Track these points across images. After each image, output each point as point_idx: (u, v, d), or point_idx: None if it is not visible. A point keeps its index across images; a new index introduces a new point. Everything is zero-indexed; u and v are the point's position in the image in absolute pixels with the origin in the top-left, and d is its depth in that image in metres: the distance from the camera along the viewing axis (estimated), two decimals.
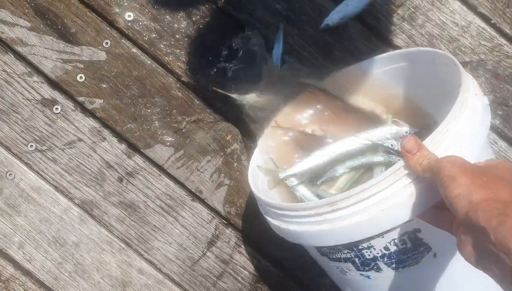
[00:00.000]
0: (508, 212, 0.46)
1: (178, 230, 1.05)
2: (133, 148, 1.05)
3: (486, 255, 0.49)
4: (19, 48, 1.04)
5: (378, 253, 0.70)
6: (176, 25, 1.04)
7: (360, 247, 0.70)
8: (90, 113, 1.05)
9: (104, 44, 1.04)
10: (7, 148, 1.05)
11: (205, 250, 1.05)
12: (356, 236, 0.67)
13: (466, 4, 1.04)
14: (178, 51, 1.04)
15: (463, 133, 0.66)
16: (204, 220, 1.05)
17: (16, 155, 1.05)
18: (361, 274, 0.75)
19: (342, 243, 0.69)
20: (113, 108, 1.04)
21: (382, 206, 0.64)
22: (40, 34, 1.04)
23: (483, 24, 1.04)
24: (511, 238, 0.44)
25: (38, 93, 1.05)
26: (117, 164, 1.05)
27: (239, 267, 1.05)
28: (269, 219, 0.80)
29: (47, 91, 1.04)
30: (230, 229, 1.06)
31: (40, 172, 1.05)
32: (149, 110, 1.04)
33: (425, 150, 0.63)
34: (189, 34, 1.04)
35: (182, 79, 1.04)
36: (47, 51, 1.04)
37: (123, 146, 1.05)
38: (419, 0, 1.03)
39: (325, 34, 1.03)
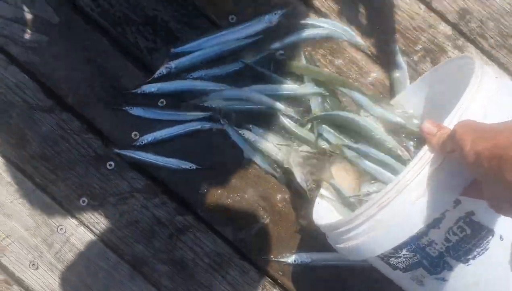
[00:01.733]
0: (502, 154, 0.51)
1: (225, 288, 1.06)
2: (184, 205, 1.07)
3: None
4: (74, 105, 1.08)
5: (441, 248, 0.70)
6: None
7: (422, 245, 0.70)
8: (144, 171, 1.07)
9: None
10: (60, 203, 1.06)
11: None
12: (411, 228, 0.67)
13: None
14: None
15: (478, 108, 0.68)
16: (251, 279, 1.06)
17: (68, 210, 1.06)
18: (436, 278, 0.74)
19: (401, 241, 0.69)
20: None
21: (424, 192, 0.65)
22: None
23: None
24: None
25: (92, 149, 1.07)
26: (168, 220, 1.06)
27: None
28: (337, 246, 0.80)
29: (102, 148, 1.07)
30: (277, 288, 1.06)
31: (91, 227, 1.06)
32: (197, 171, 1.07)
33: (444, 127, 0.67)
34: None
35: None
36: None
37: (174, 203, 1.06)
38: None
39: None
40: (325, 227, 0.83)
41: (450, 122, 0.67)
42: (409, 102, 1.02)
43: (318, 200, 0.98)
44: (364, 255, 0.75)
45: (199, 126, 1.06)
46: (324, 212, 0.96)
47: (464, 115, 0.67)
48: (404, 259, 0.74)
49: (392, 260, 0.75)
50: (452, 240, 0.70)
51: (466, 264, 0.71)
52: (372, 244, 0.71)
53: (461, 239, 0.70)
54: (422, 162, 0.66)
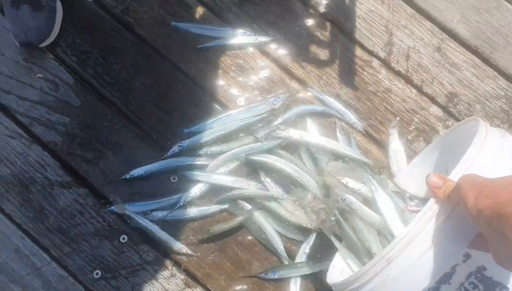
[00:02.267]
0: (501, 212, 0.54)
1: None
2: (192, 277, 1.11)
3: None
4: (93, 181, 1.15)
5: None
6: None
7: None
8: (154, 244, 1.12)
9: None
10: (74, 276, 1.11)
11: None
12: (421, 282, 0.66)
13: None
14: None
15: (484, 163, 0.69)
16: None
17: (81, 282, 1.11)
18: None
19: None
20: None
21: (431, 245, 0.65)
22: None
23: None
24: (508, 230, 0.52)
25: (107, 223, 1.13)
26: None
27: None
28: None
29: (116, 222, 1.13)
30: None
31: None
32: (205, 245, 1.12)
33: (449, 180, 0.68)
34: None
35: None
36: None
37: (182, 276, 1.11)
38: None
39: None
40: (337, 285, 0.83)
41: (456, 175, 0.68)
42: (411, 181, 1.07)
43: (333, 263, 1.00)
44: None
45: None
46: (339, 275, 0.98)
47: (469, 170, 0.68)
48: None
49: None
50: None
51: None
52: None
53: None
54: (429, 215, 0.67)
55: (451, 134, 0.97)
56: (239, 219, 1.11)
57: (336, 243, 1.02)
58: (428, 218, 0.67)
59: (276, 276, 1.08)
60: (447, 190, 0.67)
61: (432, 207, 0.68)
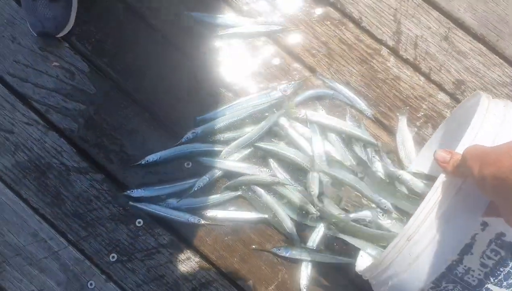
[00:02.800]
0: (504, 178, 0.56)
1: None
2: (207, 260, 1.13)
3: None
4: (109, 167, 1.18)
5: (480, 275, 0.70)
6: None
7: (459, 274, 0.70)
8: (169, 227, 1.15)
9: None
10: (91, 259, 1.13)
11: None
12: (444, 256, 0.68)
13: None
14: None
15: (488, 133, 0.71)
16: None
17: (98, 265, 1.13)
18: None
19: (438, 272, 0.69)
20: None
21: (448, 218, 0.66)
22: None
23: None
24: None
25: (123, 207, 1.16)
26: (191, 275, 1.13)
27: None
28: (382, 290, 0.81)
29: (132, 206, 1.15)
30: None
31: (119, 282, 1.12)
32: (218, 228, 1.14)
33: (456, 154, 0.69)
34: None
35: None
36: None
37: (197, 258, 1.13)
38: None
39: None
40: (365, 272, 0.84)
41: (462, 148, 0.69)
42: (427, 163, 1.09)
43: (361, 253, 1.02)
44: None
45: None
46: (367, 263, 0.98)
47: (475, 141, 0.70)
48: None
49: None
50: (488, 265, 0.69)
51: (509, 289, 0.70)
52: (411, 279, 0.71)
53: (497, 262, 0.69)
54: (441, 190, 0.68)
55: (458, 113, 0.99)
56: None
57: (345, 237, 1.05)
58: (440, 192, 0.69)
59: (287, 254, 1.10)
60: (455, 163, 0.68)
61: (443, 182, 0.70)
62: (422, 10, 1.27)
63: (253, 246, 1.13)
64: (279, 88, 1.21)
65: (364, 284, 0.96)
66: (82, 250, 1.14)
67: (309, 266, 1.12)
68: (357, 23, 1.27)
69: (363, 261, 0.99)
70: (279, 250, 1.10)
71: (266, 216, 1.13)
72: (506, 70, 1.23)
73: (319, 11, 1.27)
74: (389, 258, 0.74)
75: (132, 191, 1.15)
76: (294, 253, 1.10)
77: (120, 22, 1.26)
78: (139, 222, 1.15)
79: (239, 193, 1.16)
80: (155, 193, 1.16)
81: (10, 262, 1.13)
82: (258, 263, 1.13)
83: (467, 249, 0.69)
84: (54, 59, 1.23)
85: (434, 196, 0.70)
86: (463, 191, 0.68)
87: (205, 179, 1.15)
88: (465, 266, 0.70)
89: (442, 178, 0.70)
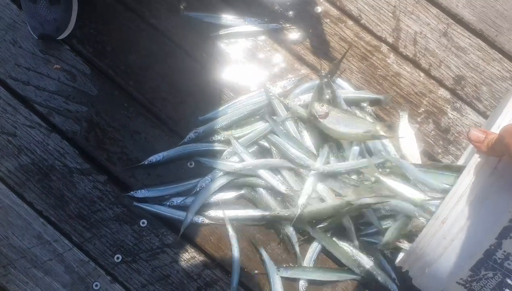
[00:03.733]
0: None
1: None
2: (211, 258, 1.14)
3: None
4: (112, 168, 1.18)
5: None
6: None
7: (499, 261, 0.67)
8: (173, 227, 1.15)
9: None
10: (95, 260, 1.14)
11: None
12: (481, 239, 0.65)
13: None
14: None
15: None
16: None
17: (103, 266, 1.13)
18: None
19: (475, 258, 0.66)
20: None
21: (484, 198, 0.64)
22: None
23: None
24: None
25: (127, 208, 1.16)
26: (196, 274, 1.13)
27: None
28: (420, 279, 0.78)
29: (136, 207, 1.16)
30: None
31: (125, 283, 1.13)
32: (223, 228, 1.15)
33: (491, 133, 0.67)
34: None
35: None
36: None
37: (202, 257, 1.14)
38: None
39: None
40: (402, 261, 0.81)
41: (498, 127, 0.67)
42: None
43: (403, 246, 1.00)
44: (446, 280, 0.71)
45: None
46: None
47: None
48: (486, 281, 0.69)
49: (475, 286, 0.71)
50: None
51: None
52: (448, 266, 0.69)
53: None
54: (475, 170, 0.66)
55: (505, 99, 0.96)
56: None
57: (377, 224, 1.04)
58: (474, 173, 0.66)
59: (288, 275, 1.11)
60: (490, 142, 0.66)
61: (477, 162, 0.67)
62: (420, 6, 1.28)
63: (256, 271, 1.13)
64: (279, 84, 1.21)
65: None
66: (87, 252, 1.14)
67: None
68: (356, 20, 1.27)
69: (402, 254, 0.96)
70: (279, 270, 1.11)
71: (243, 191, 1.14)
72: (505, 65, 1.23)
73: (318, 9, 1.28)
74: (424, 243, 0.71)
75: (136, 192, 1.15)
76: (293, 273, 1.11)
77: (120, 23, 1.27)
78: (143, 222, 1.15)
79: (242, 192, 1.16)
80: (159, 193, 1.16)
81: (15, 265, 1.13)
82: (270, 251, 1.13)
83: (505, 232, 0.66)
84: (55, 62, 1.24)
85: (468, 176, 0.67)
86: (499, 171, 0.66)
87: (207, 179, 1.15)
88: (504, 251, 0.67)
89: (475, 158, 0.68)
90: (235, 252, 1.12)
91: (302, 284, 1.11)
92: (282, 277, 1.10)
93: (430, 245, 0.71)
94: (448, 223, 0.69)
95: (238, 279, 1.11)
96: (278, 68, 1.24)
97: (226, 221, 1.13)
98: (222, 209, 1.14)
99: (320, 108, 1.11)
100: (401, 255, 0.97)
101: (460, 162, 1.14)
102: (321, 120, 1.11)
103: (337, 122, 1.11)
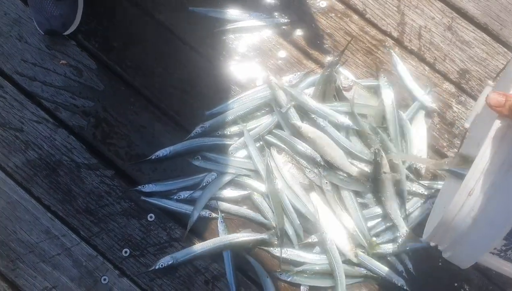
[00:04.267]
0: None
1: None
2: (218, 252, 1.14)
3: None
4: (119, 163, 1.19)
5: None
6: None
7: None
8: (181, 221, 1.16)
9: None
10: (103, 254, 1.14)
11: None
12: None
13: None
14: None
15: None
16: None
17: (111, 260, 1.14)
18: None
19: (509, 226, 0.64)
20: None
21: (509, 166, 0.61)
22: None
23: None
24: None
25: (134, 202, 1.16)
26: (204, 268, 1.14)
27: None
28: (454, 254, 0.76)
29: (143, 201, 1.16)
30: None
31: (132, 276, 1.13)
32: (228, 221, 1.15)
33: (511, 95, 0.63)
34: None
35: None
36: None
37: None
38: None
39: None
40: (431, 235, 0.77)
41: None
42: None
43: (428, 219, 0.98)
44: (479, 251, 0.70)
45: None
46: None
47: None
48: None
49: (511, 254, 0.70)
50: None
51: None
52: (480, 237, 0.67)
53: None
54: (499, 135, 0.63)
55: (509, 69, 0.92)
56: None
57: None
58: (497, 140, 0.63)
59: (289, 279, 1.11)
60: None
61: (499, 128, 0.63)
62: (425, 0, 1.28)
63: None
64: (284, 79, 1.22)
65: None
66: (95, 246, 1.15)
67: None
68: (361, 14, 1.28)
69: (429, 228, 0.92)
70: (281, 275, 1.12)
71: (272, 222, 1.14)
72: (509, 58, 1.24)
73: (323, 3, 1.28)
74: (452, 214, 0.68)
75: (143, 186, 1.16)
76: (295, 278, 1.11)
77: (126, 18, 1.27)
78: (150, 217, 1.16)
79: (249, 191, 1.17)
80: (166, 188, 1.16)
81: (23, 260, 1.14)
82: (268, 254, 1.14)
83: None
84: (61, 57, 1.24)
85: (491, 144, 0.64)
86: None
87: (213, 174, 1.16)
88: None
89: (497, 124, 0.64)
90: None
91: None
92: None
93: (458, 217, 0.68)
94: (475, 194, 0.65)
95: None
96: (283, 62, 1.25)
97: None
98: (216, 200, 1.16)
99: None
100: (427, 227, 0.94)
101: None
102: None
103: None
